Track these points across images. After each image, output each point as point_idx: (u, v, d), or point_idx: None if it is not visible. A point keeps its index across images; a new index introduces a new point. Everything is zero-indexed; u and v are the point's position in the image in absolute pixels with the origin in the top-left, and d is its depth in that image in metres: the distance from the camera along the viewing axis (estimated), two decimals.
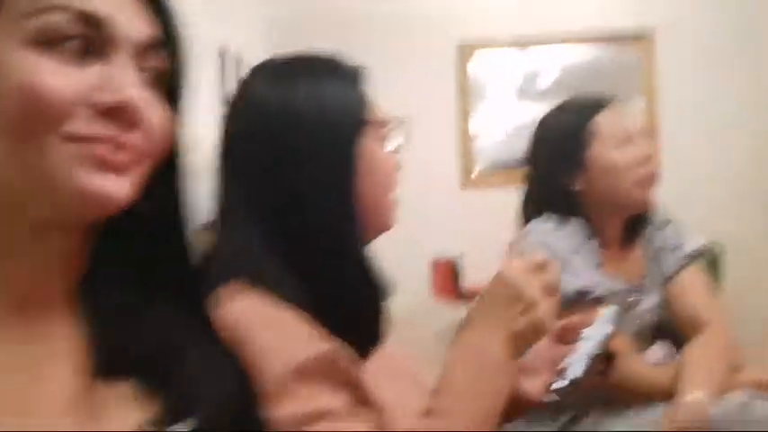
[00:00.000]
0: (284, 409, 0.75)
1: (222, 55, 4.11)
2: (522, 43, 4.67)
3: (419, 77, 4.70)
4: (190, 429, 0.58)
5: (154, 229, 0.65)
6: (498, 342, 0.93)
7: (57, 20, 0.54)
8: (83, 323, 0.61)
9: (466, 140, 4.75)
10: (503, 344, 0.93)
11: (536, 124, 1.79)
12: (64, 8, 0.55)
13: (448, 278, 4.03)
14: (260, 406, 0.68)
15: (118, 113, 0.56)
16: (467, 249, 4.14)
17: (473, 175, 4.70)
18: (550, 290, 0.96)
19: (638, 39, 4.58)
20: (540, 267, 0.96)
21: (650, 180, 1.68)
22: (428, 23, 4.72)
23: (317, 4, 4.73)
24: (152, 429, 0.57)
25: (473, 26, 4.70)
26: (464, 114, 4.75)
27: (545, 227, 1.65)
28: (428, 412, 0.92)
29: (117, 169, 0.56)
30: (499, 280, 0.96)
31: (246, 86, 0.99)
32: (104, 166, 0.55)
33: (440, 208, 4.54)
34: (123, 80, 0.56)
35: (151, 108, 0.58)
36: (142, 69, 0.59)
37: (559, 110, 1.77)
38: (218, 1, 3.88)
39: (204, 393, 0.62)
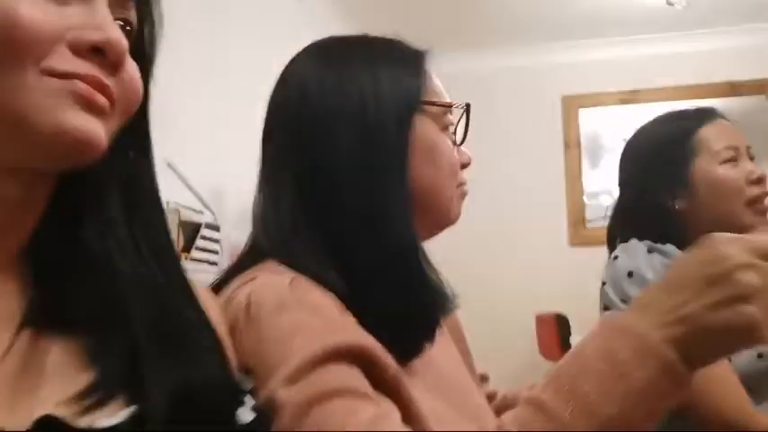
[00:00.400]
0: (298, 392, 0.65)
1: None
2: (631, 98, 4.59)
3: (527, 133, 4.69)
4: (120, 422, 0.49)
5: (115, 190, 0.60)
6: (676, 335, 0.67)
7: None
8: (29, 280, 0.57)
9: (574, 196, 4.68)
10: (684, 341, 0.66)
11: (631, 136, 1.59)
12: None
13: (554, 334, 3.92)
14: (236, 399, 0.59)
15: (99, 54, 0.53)
16: (574, 306, 4.04)
17: (581, 231, 4.62)
18: None
19: (754, 87, 4.43)
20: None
21: (764, 201, 1.46)
22: (535, 78, 4.72)
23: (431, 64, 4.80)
24: (74, 411, 0.49)
25: (582, 80, 4.66)
26: (572, 170, 4.69)
27: (637, 251, 1.43)
28: (532, 410, 0.69)
29: (99, 112, 0.53)
30: (707, 248, 0.70)
31: (296, 64, 0.93)
32: (88, 105, 0.52)
33: (547, 263, 4.47)
34: (105, 20, 0.55)
35: (128, 59, 0.56)
36: (117, 21, 0.57)
37: (659, 121, 1.57)
38: None
39: (158, 375, 0.53)
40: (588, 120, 4.71)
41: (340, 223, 0.83)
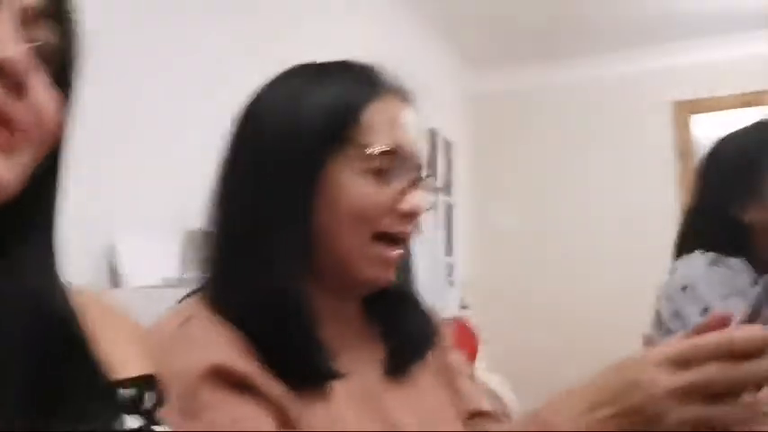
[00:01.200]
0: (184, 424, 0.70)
1: (433, 136, 4.17)
2: (756, 99, 4.19)
3: (634, 143, 4.42)
4: None
5: (17, 225, 0.54)
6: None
7: None
8: None
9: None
10: None
11: (716, 142, 1.52)
12: None
13: None
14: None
15: (6, 73, 0.48)
16: None
17: None
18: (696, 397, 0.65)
19: None
20: (696, 360, 0.66)
21: None
22: (642, 84, 4.46)
23: (524, 76, 4.66)
24: None
25: (694, 84, 4.34)
26: (686, 181, 4.33)
27: (696, 263, 1.36)
28: None
29: (2, 146, 0.48)
30: (621, 368, 0.71)
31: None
32: None
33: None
34: (3, 37, 0.49)
35: (39, 83, 0.51)
36: (29, 40, 0.52)
37: (741, 131, 1.49)
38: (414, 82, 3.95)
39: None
40: (703, 126, 4.34)
41: (229, 257, 0.83)
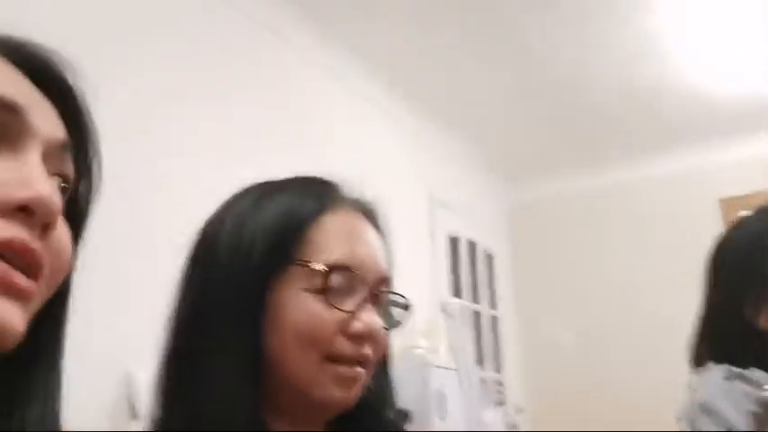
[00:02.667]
0: None
1: (472, 249, 4.11)
2: None
3: (684, 240, 4.25)
4: None
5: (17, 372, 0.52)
6: None
7: None
8: None
9: None
10: None
11: (723, 233, 1.35)
12: None
13: None
14: None
15: (27, 213, 0.45)
16: None
17: None
18: None
19: None
20: None
21: None
22: (687, 184, 4.34)
23: (564, 184, 4.60)
24: None
25: (740, 179, 4.21)
26: None
27: (712, 380, 1.18)
28: None
29: (19, 294, 0.45)
30: None
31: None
32: (5, 288, 0.44)
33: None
34: (35, 174, 0.47)
35: (60, 220, 0.48)
36: (52, 174, 0.51)
37: (754, 215, 1.31)
38: (452, 192, 3.93)
39: None
40: None
41: (176, 385, 0.80)
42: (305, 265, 0.79)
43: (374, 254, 0.84)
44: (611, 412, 3.99)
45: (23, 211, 0.46)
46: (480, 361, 4.00)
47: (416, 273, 3.41)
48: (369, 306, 0.81)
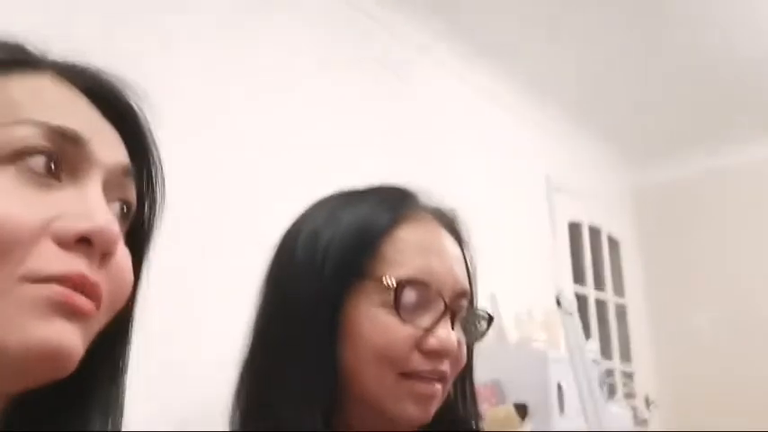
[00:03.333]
0: None
1: (595, 236, 3.98)
2: None
3: None
4: None
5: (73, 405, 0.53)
6: None
7: (25, 133, 0.47)
8: None
9: None
10: None
11: None
12: (36, 123, 0.48)
13: None
14: None
15: (86, 244, 0.46)
16: None
17: None
18: None
19: None
20: None
21: None
22: None
23: (692, 164, 4.34)
24: None
25: None
26: None
27: None
28: None
29: (80, 316, 0.46)
30: None
31: None
32: (65, 311, 0.45)
33: None
34: (94, 205, 0.48)
35: (120, 247, 0.49)
36: (112, 200, 0.51)
37: None
38: (572, 177, 3.80)
39: None
40: None
41: (253, 406, 0.80)
42: (377, 280, 0.78)
43: (451, 267, 0.81)
44: (752, 405, 3.74)
45: (83, 242, 0.46)
46: (607, 351, 3.85)
47: (535, 262, 3.32)
48: (446, 321, 0.78)
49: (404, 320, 0.77)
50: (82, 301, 0.45)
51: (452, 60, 3.12)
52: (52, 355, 0.44)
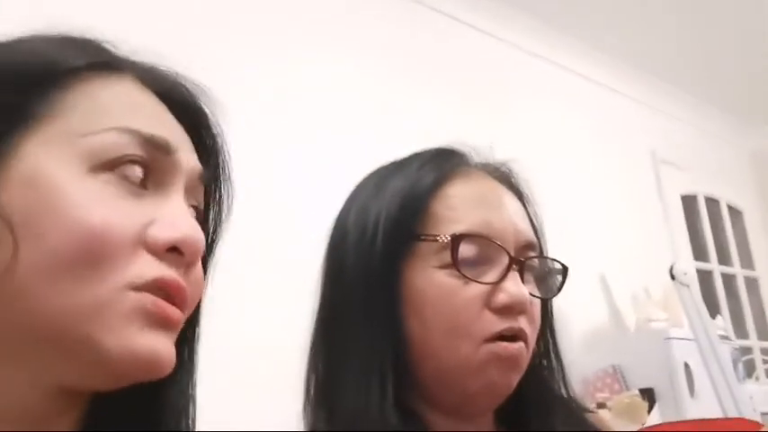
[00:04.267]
0: None
1: (714, 206, 3.74)
2: None
3: None
4: None
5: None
6: None
7: (121, 142, 0.48)
8: None
9: None
10: None
11: None
12: (131, 132, 0.49)
13: None
14: None
15: (175, 252, 0.48)
16: None
17: None
18: None
19: None
20: None
21: None
22: None
23: None
24: None
25: None
26: None
27: None
28: None
29: (171, 326, 0.48)
30: None
31: None
32: (159, 321, 0.47)
33: None
34: (180, 214, 0.49)
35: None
36: (190, 205, 0.53)
37: None
38: (682, 149, 3.60)
39: None
40: None
41: (319, 392, 0.76)
42: (432, 240, 0.72)
43: (510, 218, 0.74)
44: None
45: (172, 251, 0.48)
46: (742, 329, 3.59)
47: (649, 240, 3.14)
48: (513, 274, 0.72)
49: (466, 279, 0.71)
50: (172, 310, 0.47)
51: (556, 36, 3.01)
52: (152, 363, 0.46)
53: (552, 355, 0.80)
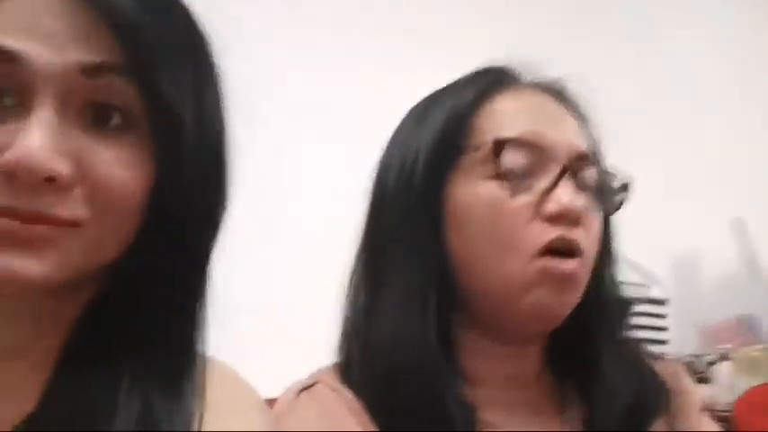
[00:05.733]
0: None
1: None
2: None
3: None
4: None
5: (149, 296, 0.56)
6: None
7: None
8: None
9: None
10: None
11: None
12: None
13: None
14: None
15: (19, 177, 0.49)
16: None
17: None
18: None
19: None
20: None
21: None
22: None
23: None
24: None
25: None
26: None
27: None
28: None
29: (26, 244, 0.50)
30: None
31: None
32: (9, 241, 0.49)
33: None
34: (27, 134, 0.48)
35: (90, 158, 0.51)
36: (83, 106, 0.51)
37: None
38: None
39: None
40: None
41: (357, 309, 0.75)
42: (476, 150, 0.69)
43: (561, 127, 0.70)
44: None
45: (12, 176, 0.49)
46: None
47: None
48: (566, 183, 0.67)
49: (514, 189, 0.66)
50: (33, 232, 0.49)
51: None
52: (7, 281, 0.50)
53: (608, 284, 0.74)
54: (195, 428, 0.55)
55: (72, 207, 0.50)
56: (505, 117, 0.71)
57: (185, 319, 0.58)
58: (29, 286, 0.51)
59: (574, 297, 0.68)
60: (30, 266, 0.50)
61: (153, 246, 0.54)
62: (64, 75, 0.49)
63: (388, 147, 0.77)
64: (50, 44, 0.49)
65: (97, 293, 0.56)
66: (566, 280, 0.66)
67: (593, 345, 0.72)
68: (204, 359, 0.60)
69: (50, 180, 0.49)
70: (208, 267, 0.59)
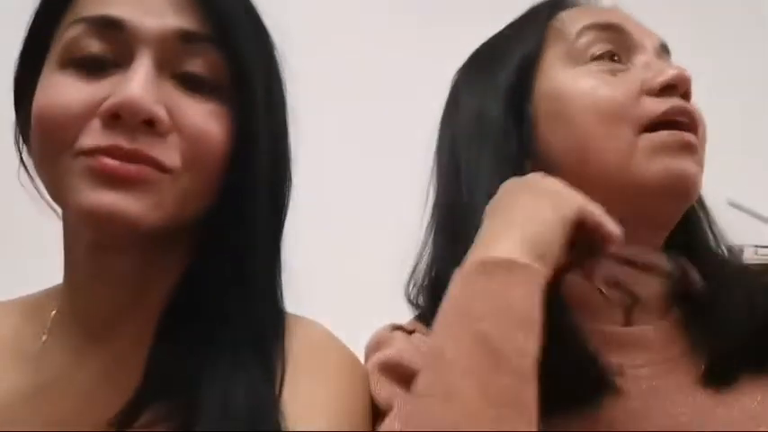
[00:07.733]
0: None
1: None
2: None
3: None
4: None
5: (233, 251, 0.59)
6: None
7: (76, 33, 0.56)
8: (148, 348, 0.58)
9: None
10: None
11: None
12: (82, 19, 0.56)
13: None
14: None
15: (122, 119, 0.53)
16: None
17: None
18: None
19: None
20: None
21: None
22: None
23: None
24: None
25: None
26: None
27: None
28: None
29: (126, 183, 0.53)
30: None
31: None
32: (107, 180, 0.53)
33: None
34: (130, 82, 0.54)
35: (183, 111, 0.55)
36: (177, 68, 0.56)
37: None
38: None
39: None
40: None
41: (426, 246, 0.75)
42: (559, 41, 0.69)
43: (637, 19, 0.71)
44: None
45: (116, 117, 0.55)
46: None
47: None
48: (665, 58, 0.69)
49: (612, 70, 0.66)
50: (121, 169, 0.53)
51: None
52: (106, 218, 0.53)
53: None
54: (277, 389, 0.56)
55: (167, 153, 0.54)
56: (581, 16, 0.70)
57: (271, 278, 0.61)
58: (126, 224, 0.53)
59: (695, 164, 0.65)
60: (128, 205, 0.53)
61: (235, 205, 0.58)
62: (163, 38, 0.55)
63: (452, 91, 0.77)
64: (152, 12, 0.55)
65: (187, 267, 0.59)
66: (683, 145, 0.64)
67: (714, 265, 0.70)
68: (289, 316, 0.62)
69: (150, 123, 0.53)
70: (282, 230, 0.63)
